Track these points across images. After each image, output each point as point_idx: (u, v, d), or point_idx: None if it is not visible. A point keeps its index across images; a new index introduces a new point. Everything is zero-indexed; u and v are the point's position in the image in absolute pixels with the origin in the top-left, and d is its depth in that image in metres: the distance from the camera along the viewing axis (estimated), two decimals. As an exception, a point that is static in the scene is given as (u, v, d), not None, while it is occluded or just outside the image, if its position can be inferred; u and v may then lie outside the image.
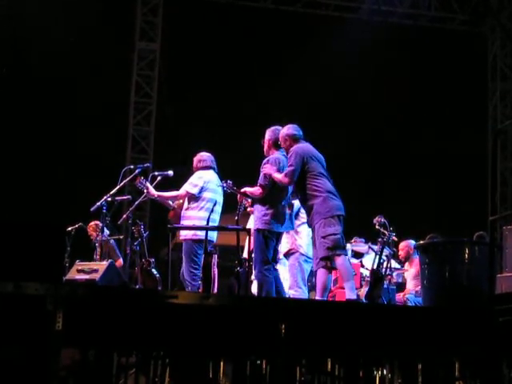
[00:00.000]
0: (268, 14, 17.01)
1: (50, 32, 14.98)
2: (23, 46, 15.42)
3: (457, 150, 16.66)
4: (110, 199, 10.34)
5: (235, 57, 16.33)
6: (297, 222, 9.66)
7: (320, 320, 6.33)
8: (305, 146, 8.82)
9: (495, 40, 17.95)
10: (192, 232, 9.76)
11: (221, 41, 16.29)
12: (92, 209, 10.20)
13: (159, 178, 10.32)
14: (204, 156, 10.24)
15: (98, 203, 10.18)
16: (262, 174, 8.84)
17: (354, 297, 8.39)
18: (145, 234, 11.20)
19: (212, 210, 9.57)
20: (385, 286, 10.13)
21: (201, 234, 9.64)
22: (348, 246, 11.10)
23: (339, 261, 8.33)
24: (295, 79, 15.99)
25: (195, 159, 10.25)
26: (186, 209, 10.03)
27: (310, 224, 8.61)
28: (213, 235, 9.81)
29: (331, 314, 6.47)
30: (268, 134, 9.16)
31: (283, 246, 9.65)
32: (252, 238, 8.89)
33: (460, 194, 16.37)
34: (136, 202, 10.83)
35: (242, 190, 8.96)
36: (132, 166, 11.04)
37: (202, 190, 9.93)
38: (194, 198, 9.94)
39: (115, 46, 16.04)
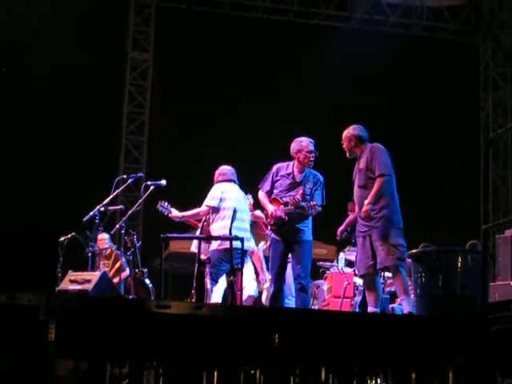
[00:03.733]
0: (260, 24, 17.05)
1: (42, 41, 15.01)
2: (19, 53, 15.46)
3: (448, 159, 16.70)
4: (102, 209, 10.33)
5: (228, 66, 16.36)
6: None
7: (313, 329, 6.32)
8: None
9: (487, 49, 18.02)
10: (217, 243, 9.64)
11: (213, 50, 16.32)
12: (85, 219, 10.18)
13: (152, 187, 10.29)
14: (224, 170, 10.11)
15: (91, 213, 10.17)
16: (321, 193, 8.95)
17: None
18: (138, 244, 11.21)
19: (233, 218, 9.51)
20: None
21: (227, 244, 9.56)
22: (341, 254, 11.11)
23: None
24: (288, 88, 16.03)
25: (216, 173, 10.11)
26: (212, 222, 9.96)
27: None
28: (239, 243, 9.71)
29: (325, 324, 6.46)
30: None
31: None
32: (301, 247, 8.90)
33: (452, 202, 16.39)
34: (129, 212, 10.81)
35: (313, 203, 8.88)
36: (125, 176, 11.04)
37: (221, 200, 9.85)
38: (215, 210, 9.86)
39: (108, 55, 16.07)
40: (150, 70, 16.79)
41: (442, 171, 16.69)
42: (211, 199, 9.84)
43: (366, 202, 8.21)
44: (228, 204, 9.83)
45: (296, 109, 15.92)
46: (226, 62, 16.33)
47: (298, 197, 8.77)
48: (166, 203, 10.16)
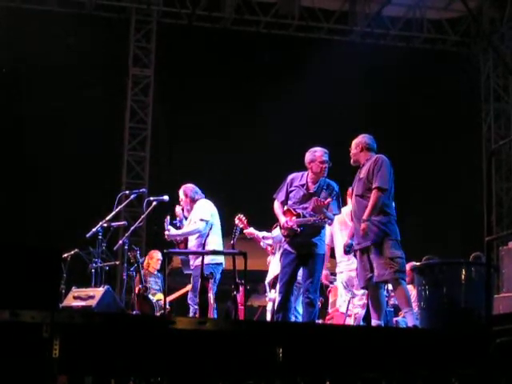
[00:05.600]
0: (261, 39, 17.08)
1: (44, 58, 15.05)
2: (18, 70, 15.51)
3: (451, 171, 16.70)
4: (105, 225, 10.34)
5: (229, 81, 16.37)
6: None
7: (317, 343, 6.32)
8: None
9: (487, 61, 18.03)
10: (209, 258, 9.74)
11: (214, 65, 16.34)
12: (88, 235, 10.20)
13: (155, 203, 10.31)
14: (195, 187, 10.35)
15: (94, 229, 10.18)
16: (337, 202, 8.95)
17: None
18: (141, 260, 11.20)
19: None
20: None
21: (217, 259, 9.83)
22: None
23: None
24: (289, 102, 16.04)
25: (188, 191, 10.28)
26: (197, 237, 10.05)
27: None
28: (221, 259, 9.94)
29: (329, 337, 6.45)
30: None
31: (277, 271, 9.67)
32: (314, 261, 8.89)
33: (455, 213, 16.37)
34: (132, 228, 10.81)
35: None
36: (127, 192, 11.05)
37: (211, 216, 10.05)
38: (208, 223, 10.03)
39: (109, 71, 16.09)
40: (151, 85, 16.79)
41: (445, 183, 16.68)
42: (205, 213, 10.03)
43: (364, 217, 8.17)
44: (215, 220, 10.07)
45: (297, 122, 15.92)
46: (226, 76, 16.34)
47: (325, 202, 8.76)
48: (168, 221, 10.19)
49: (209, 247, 9.69)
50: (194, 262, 10.01)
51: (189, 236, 10.18)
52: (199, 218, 10.00)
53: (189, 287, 11.82)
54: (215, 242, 9.93)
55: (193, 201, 10.21)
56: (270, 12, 17.08)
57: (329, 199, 8.79)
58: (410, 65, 16.82)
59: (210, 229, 9.93)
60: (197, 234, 10.06)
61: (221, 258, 9.90)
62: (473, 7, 16.59)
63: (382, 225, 8.17)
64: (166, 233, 10.12)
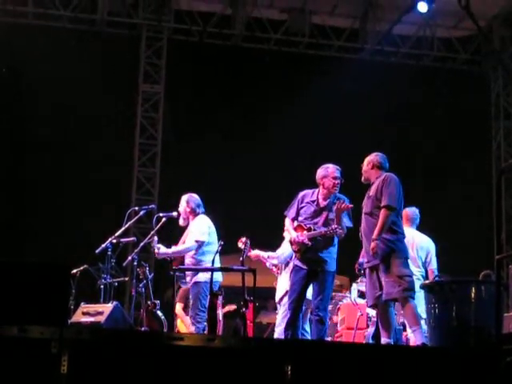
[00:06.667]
0: (271, 56, 17.11)
1: (54, 73, 15.11)
2: (29, 89, 15.57)
3: (460, 189, 16.67)
4: (115, 241, 10.36)
5: (239, 98, 16.41)
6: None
7: (326, 361, 6.29)
8: None
9: (497, 79, 18.03)
10: (206, 275, 9.66)
11: (224, 82, 16.38)
12: (97, 251, 10.22)
13: (164, 219, 10.31)
14: (198, 200, 10.18)
15: (103, 245, 10.21)
16: (348, 214, 8.91)
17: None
18: (150, 276, 11.18)
19: (217, 252, 9.61)
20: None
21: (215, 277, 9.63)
22: (354, 285, 11.07)
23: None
24: (299, 119, 16.06)
25: (190, 202, 10.14)
26: (194, 254, 9.98)
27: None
28: (219, 276, 9.79)
29: (338, 355, 6.42)
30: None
31: (284, 288, 9.64)
32: (325, 278, 8.85)
33: (465, 232, 16.33)
34: (141, 244, 10.81)
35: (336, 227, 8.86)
36: (137, 208, 11.06)
37: (209, 234, 9.93)
38: (202, 244, 9.92)
39: (119, 87, 16.13)
40: (161, 102, 16.83)
41: (454, 199, 16.65)
42: (202, 234, 9.89)
43: (373, 236, 8.15)
44: (213, 239, 9.97)
45: (307, 139, 15.93)
46: (236, 93, 16.38)
47: (348, 206, 8.78)
48: (157, 239, 10.16)
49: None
50: (192, 278, 9.93)
51: (180, 254, 10.08)
52: (195, 239, 9.92)
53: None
54: (209, 260, 9.82)
55: (192, 212, 10.10)
56: (280, 29, 17.13)
57: (351, 205, 8.79)
58: (420, 83, 16.83)
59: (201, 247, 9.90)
60: (192, 252, 9.98)
61: (218, 276, 9.79)
62: (483, 25, 16.60)
63: (389, 242, 8.16)
64: (156, 251, 10.09)
